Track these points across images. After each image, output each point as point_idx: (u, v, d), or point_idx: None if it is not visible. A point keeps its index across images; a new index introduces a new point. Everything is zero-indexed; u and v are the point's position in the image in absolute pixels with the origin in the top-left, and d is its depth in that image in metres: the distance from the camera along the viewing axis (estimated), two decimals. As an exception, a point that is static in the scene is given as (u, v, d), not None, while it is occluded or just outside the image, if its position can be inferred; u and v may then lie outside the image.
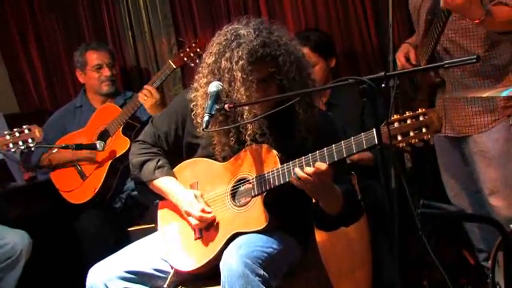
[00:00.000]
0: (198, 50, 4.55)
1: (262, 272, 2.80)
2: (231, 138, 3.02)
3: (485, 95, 3.19)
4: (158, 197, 3.26)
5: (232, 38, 2.91)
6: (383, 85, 2.54)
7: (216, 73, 2.95)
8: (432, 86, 3.74)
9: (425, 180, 4.19)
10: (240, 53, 2.86)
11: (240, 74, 2.86)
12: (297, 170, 2.81)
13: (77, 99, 5.07)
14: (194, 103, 3.07)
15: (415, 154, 4.18)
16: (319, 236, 3.43)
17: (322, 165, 2.77)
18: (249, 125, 2.96)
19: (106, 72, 4.87)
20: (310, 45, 4.33)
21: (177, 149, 3.23)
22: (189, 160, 3.20)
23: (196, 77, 3.09)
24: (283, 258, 2.97)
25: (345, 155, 2.76)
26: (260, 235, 2.91)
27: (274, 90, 2.94)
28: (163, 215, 3.26)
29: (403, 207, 3.12)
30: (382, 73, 2.46)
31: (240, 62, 2.86)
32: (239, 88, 2.87)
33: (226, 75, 2.90)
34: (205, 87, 2.98)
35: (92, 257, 3.43)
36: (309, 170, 2.78)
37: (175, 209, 3.17)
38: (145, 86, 4.66)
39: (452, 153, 3.85)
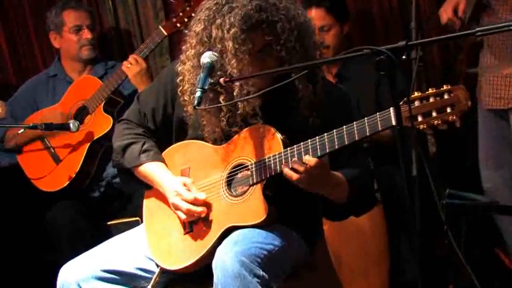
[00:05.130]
0: (192, 14, 4.52)
1: (261, 272, 2.79)
2: (222, 119, 3.02)
3: None
4: (143, 186, 3.26)
5: (224, 1, 2.91)
6: (404, 57, 2.53)
7: (206, 43, 2.95)
8: (475, 45, 3.74)
9: (453, 166, 4.20)
10: (232, 19, 2.85)
11: (231, 44, 2.85)
12: (286, 171, 2.82)
13: (50, 68, 5.07)
14: (181, 78, 3.07)
15: (440, 136, 4.18)
16: (328, 231, 3.44)
17: (311, 160, 2.77)
18: (240, 103, 2.95)
19: (86, 34, 4.84)
20: (326, 5, 4.36)
21: (165, 129, 3.23)
22: (180, 143, 3.20)
23: (183, 47, 3.08)
24: (286, 256, 2.97)
25: (356, 138, 2.75)
26: (258, 230, 2.91)
27: (272, 62, 2.93)
28: (149, 205, 3.27)
29: (425, 197, 3.13)
30: (403, 42, 2.44)
31: (232, 30, 2.85)
32: (230, 60, 2.87)
33: (218, 46, 2.90)
34: (194, 60, 2.98)
35: (65, 253, 3.45)
36: (298, 166, 2.79)
37: (163, 199, 3.17)
38: (131, 55, 4.65)
39: (497, 132, 3.86)
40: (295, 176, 2.80)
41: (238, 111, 2.98)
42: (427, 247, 4.06)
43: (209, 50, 2.92)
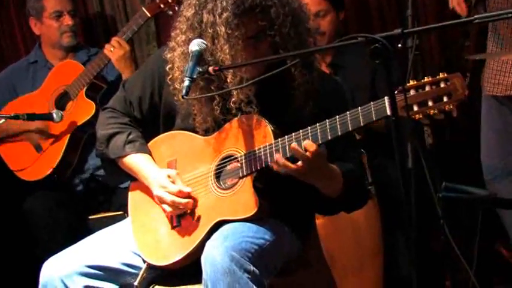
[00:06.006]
0: None
1: (251, 267, 2.79)
2: (216, 107, 3.01)
3: None
4: (128, 179, 3.26)
5: None
6: (399, 45, 2.52)
7: (197, 29, 2.94)
8: (482, 31, 3.75)
9: (450, 159, 4.20)
10: (224, 4, 2.84)
11: (223, 29, 2.85)
12: (278, 157, 2.81)
13: (30, 54, 5.05)
14: (170, 65, 3.06)
15: (436, 127, 4.18)
16: (321, 225, 3.44)
17: (312, 146, 2.77)
18: (234, 91, 2.95)
19: (67, 20, 4.82)
20: None
21: (152, 119, 3.23)
22: (166, 133, 3.20)
23: (172, 33, 3.07)
24: (277, 251, 2.97)
25: (350, 129, 2.76)
26: (249, 224, 2.91)
27: (265, 49, 2.93)
28: (134, 199, 3.26)
29: (421, 191, 3.12)
30: (399, 30, 2.44)
31: (224, 14, 2.84)
32: (223, 46, 2.86)
33: (209, 31, 2.89)
34: (184, 46, 2.96)
35: (45, 248, 3.44)
36: (297, 152, 2.78)
37: (148, 192, 3.17)
38: (113, 38, 4.64)
39: (500, 121, 3.87)
40: (292, 164, 2.79)
41: (233, 99, 2.97)
42: (422, 242, 4.07)
43: (200, 36, 2.92)
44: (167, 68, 3.07)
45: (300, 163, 2.80)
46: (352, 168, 2.99)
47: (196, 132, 3.09)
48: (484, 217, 3.99)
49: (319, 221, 3.34)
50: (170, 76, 3.07)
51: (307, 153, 2.77)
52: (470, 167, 4.07)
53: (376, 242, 3.99)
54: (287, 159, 2.82)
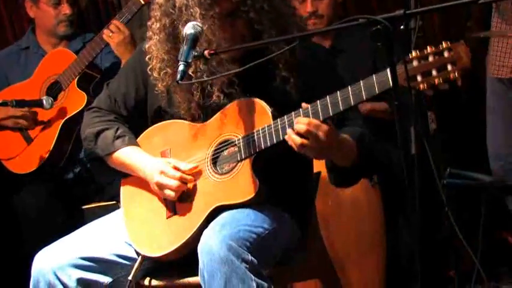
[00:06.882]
0: None
1: (249, 257, 2.79)
2: (195, 93, 3.04)
3: None
4: (118, 175, 3.27)
5: None
6: (402, 26, 2.52)
7: (172, 14, 2.98)
8: (484, 11, 3.76)
9: (454, 144, 4.20)
10: None
11: (198, 10, 2.87)
12: (289, 132, 2.81)
13: (22, 39, 5.03)
14: (149, 56, 3.09)
15: (440, 112, 4.18)
16: (321, 214, 3.44)
17: (318, 122, 2.77)
18: (216, 73, 2.96)
19: (66, 9, 4.78)
20: None
21: (139, 114, 3.24)
22: (157, 124, 3.20)
23: (149, 23, 3.11)
24: (276, 240, 2.97)
25: (352, 103, 2.75)
26: (247, 212, 2.91)
27: (242, 26, 2.97)
28: (126, 192, 3.26)
29: (425, 177, 3.13)
30: (401, 11, 2.44)
31: None
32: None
33: (184, 14, 2.92)
34: (161, 34, 3.02)
35: (37, 239, 3.42)
36: (301, 128, 2.77)
37: (141, 184, 3.17)
38: (112, 21, 4.60)
39: (506, 105, 3.87)
40: (299, 140, 2.79)
41: (214, 81, 3.00)
42: (426, 231, 4.08)
43: (174, 21, 2.96)
44: (147, 58, 3.10)
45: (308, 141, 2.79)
46: (361, 132, 2.99)
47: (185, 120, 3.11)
48: (490, 204, 4.00)
49: (319, 208, 3.33)
50: (150, 66, 3.09)
51: (312, 130, 2.76)
52: (475, 153, 4.07)
53: (378, 230, 3.99)
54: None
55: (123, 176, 3.25)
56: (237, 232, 2.81)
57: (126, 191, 3.26)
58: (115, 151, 3.18)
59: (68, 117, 4.56)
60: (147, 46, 3.09)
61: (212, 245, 2.78)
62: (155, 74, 3.07)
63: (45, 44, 4.91)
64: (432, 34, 4.60)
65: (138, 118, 3.24)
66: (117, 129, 3.21)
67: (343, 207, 3.74)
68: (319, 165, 3.20)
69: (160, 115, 3.18)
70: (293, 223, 3.08)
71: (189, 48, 2.84)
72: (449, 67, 2.55)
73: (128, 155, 3.18)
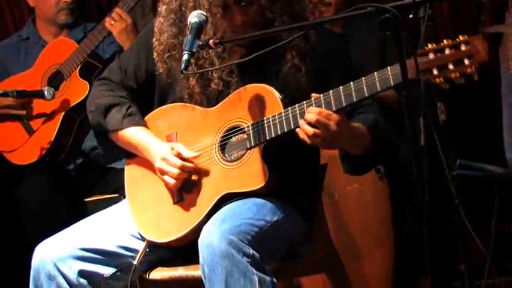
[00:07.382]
0: None
1: (251, 251, 2.77)
2: (191, 79, 3.05)
3: None
4: (123, 155, 3.26)
5: None
6: (411, 15, 2.51)
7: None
8: (498, 4, 3.74)
9: (465, 135, 4.19)
10: None
11: None
12: (301, 123, 2.81)
13: (22, 30, 5.03)
14: (156, 37, 3.10)
15: (450, 102, 4.17)
16: (328, 207, 3.44)
17: (328, 111, 2.77)
18: (215, 61, 2.98)
19: None
20: None
21: (148, 89, 3.22)
22: (163, 106, 3.19)
23: (159, 7, 3.13)
24: (280, 233, 2.96)
25: (366, 95, 2.75)
26: (249, 205, 2.91)
27: (254, 14, 2.97)
28: (131, 174, 3.25)
29: (434, 169, 3.12)
30: None
31: None
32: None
33: (190, 1, 2.94)
34: (168, 17, 3.04)
35: (38, 232, 3.42)
36: (312, 117, 2.77)
37: (147, 165, 3.17)
38: (115, 9, 4.60)
39: None
40: (311, 130, 2.79)
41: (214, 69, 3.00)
42: (435, 224, 4.07)
43: (180, 5, 2.98)
44: (153, 40, 3.12)
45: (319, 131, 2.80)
46: (375, 119, 2.99)
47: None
48: (501, 196, 4.00)
49: (326, 201, 3.33)
50: (155, 48, 3.10)
51: (322, 119, 2.76)
52: (485, 144, 4.05)
53: (386, 224, 3.99)
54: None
55: (127, 155, 3.24)
56: (238, 226, 2.80)
57: (131, 174, 3.25)
58: (122, 129, 3.18)
59: (70, 106, 4.56)
60: (153, 27, 3.11)
61: (212, 240, 2.77)
62: (155, 56, 3.10)
63: (46, 34, 4.90)
64: (441, 23, 4.58)
65: (146, 92, 3.22)
66: (129, 107, 3.20)
67: (350, 199, 3.73)
68: (325, 158, 3.20)
69: (168, 94, 3.18)
70: (298, 215, 3.07)
71: (193, 38, 2.84)
72: (466, 61, 2.54)
73: (135, 135, 3.16)
